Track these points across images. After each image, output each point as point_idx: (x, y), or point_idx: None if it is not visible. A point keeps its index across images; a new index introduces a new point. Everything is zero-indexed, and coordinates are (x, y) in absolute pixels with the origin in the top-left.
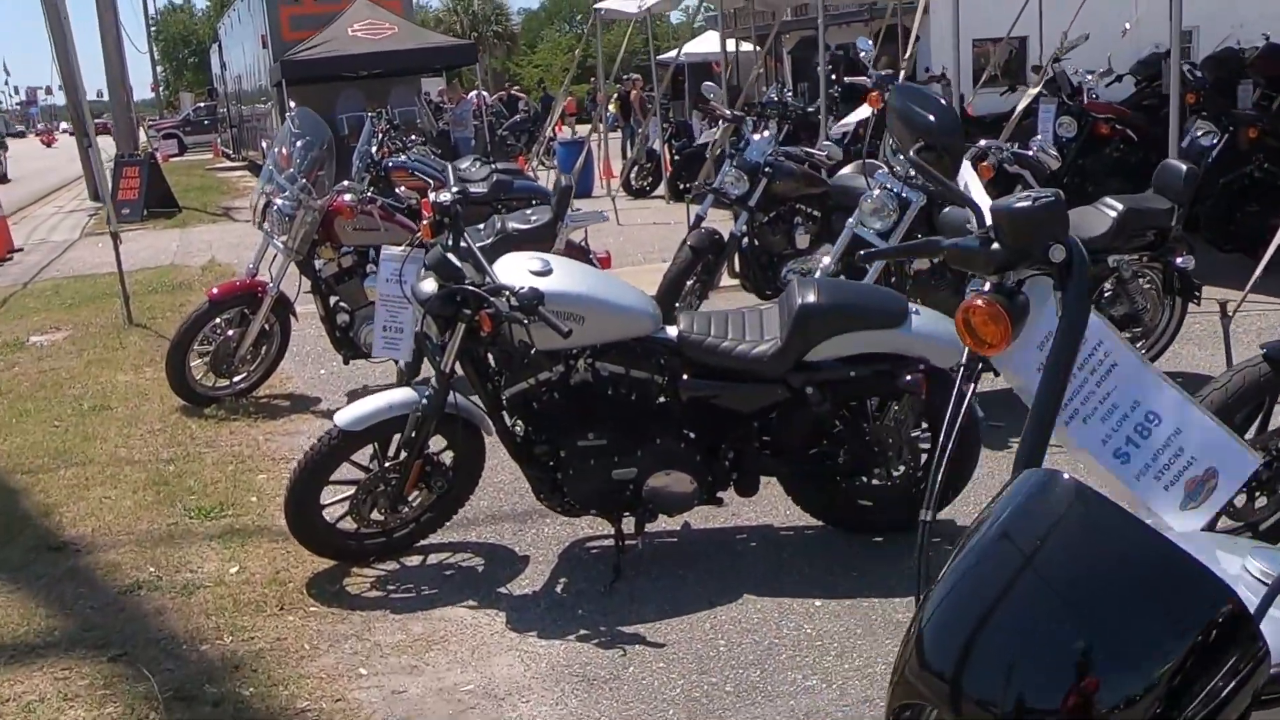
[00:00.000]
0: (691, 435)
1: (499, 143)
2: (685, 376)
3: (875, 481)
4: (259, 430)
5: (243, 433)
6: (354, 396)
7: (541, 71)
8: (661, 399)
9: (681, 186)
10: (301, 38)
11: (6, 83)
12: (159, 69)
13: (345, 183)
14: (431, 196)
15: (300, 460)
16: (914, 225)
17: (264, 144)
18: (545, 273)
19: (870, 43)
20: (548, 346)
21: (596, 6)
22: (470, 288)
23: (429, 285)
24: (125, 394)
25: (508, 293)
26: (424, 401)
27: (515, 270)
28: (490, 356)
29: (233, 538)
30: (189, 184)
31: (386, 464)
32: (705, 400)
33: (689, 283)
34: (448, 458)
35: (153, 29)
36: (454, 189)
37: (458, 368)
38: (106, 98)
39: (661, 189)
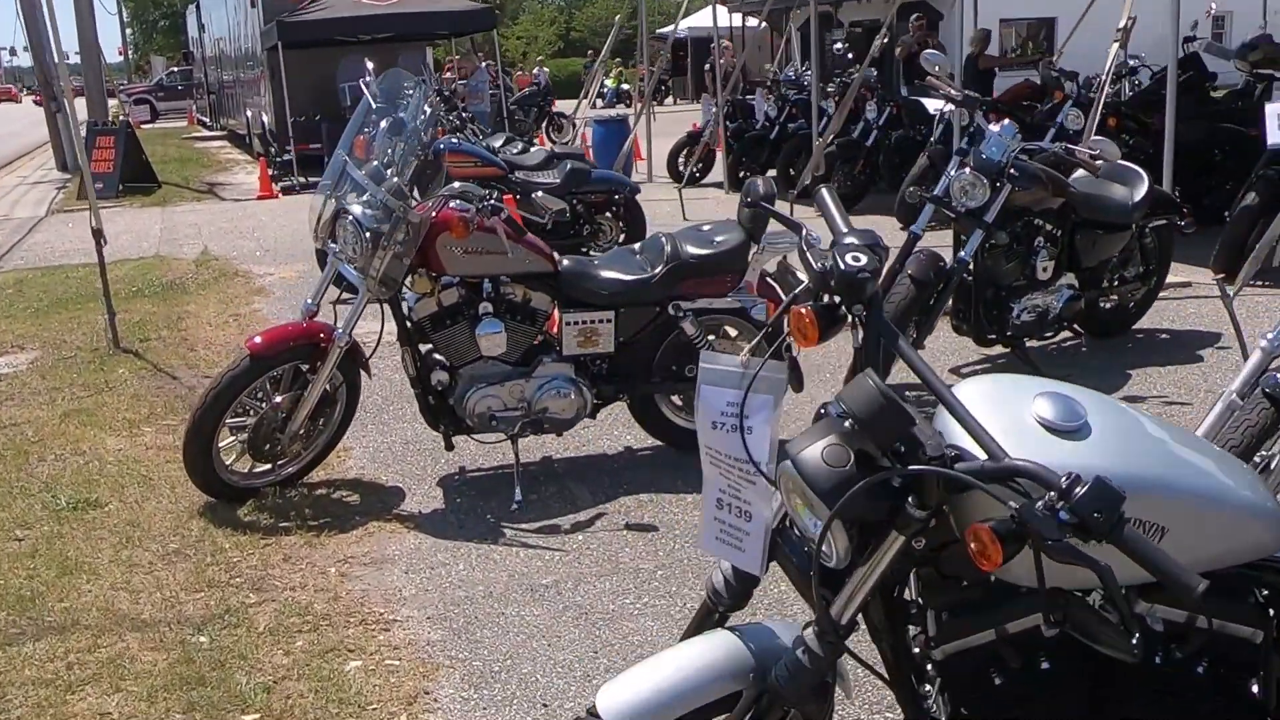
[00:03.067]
0: None
1: (509, 119)
2: None
3: None
4: (325, 553)
5: (302, 558)
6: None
7: (525, 44)
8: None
9: (742, 175)
10: None
11: None
12: (128, 31)
13: (457, 184)
14: (809, 258)
15: None
16: None
17: (249, 113)
18: (1074, 429)
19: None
20: (1131, 582)
21: None
22: (942, 470)
23: (830, 449)
24: (119, 475)
25: (1048, 488)
26: (784, 672)
27: (1009, 412)
28: (914, 580)
29: None
30: (166, 154)
31: None
32: None
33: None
34: None
35: None
36: (860, 244)
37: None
38: (75, 60)
39: (716, 176)
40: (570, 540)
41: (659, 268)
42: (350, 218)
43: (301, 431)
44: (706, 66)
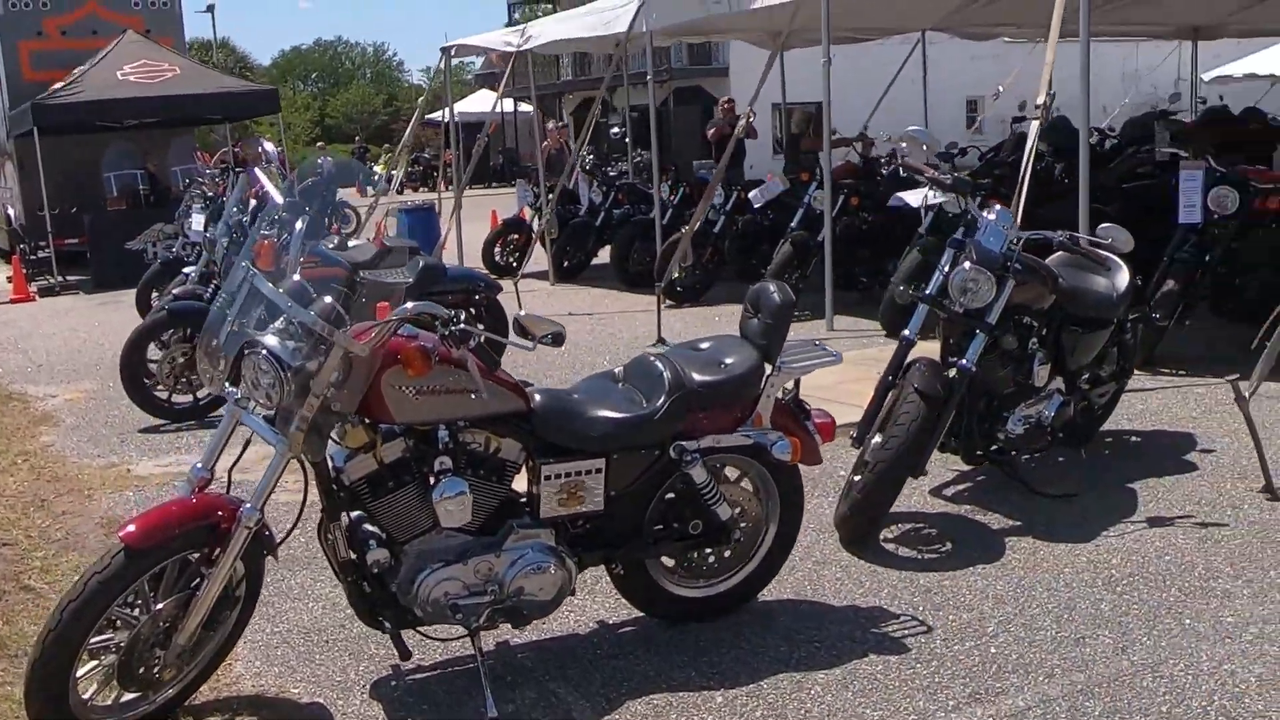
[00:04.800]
0: None
1: None
2: None
3: None
4: None
5: None
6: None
7: (278, 131)
8: None
9: (566, 264)
10: (46, 78)
11: None
12: None
13: (409, 305)
14: None
15: None
16: None
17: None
18: None
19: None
20: None
21: (446, 46)
22: None
23: None
24: None
25: None
26: None
27: None
28: None
29: None
30: None
31: None
32: None
33: None
34: None
35: None
36: None
37: None
38: None
39: (538, 266)
40: None
41: (660, 400)
42: (263, 351)
43: (189, 645)
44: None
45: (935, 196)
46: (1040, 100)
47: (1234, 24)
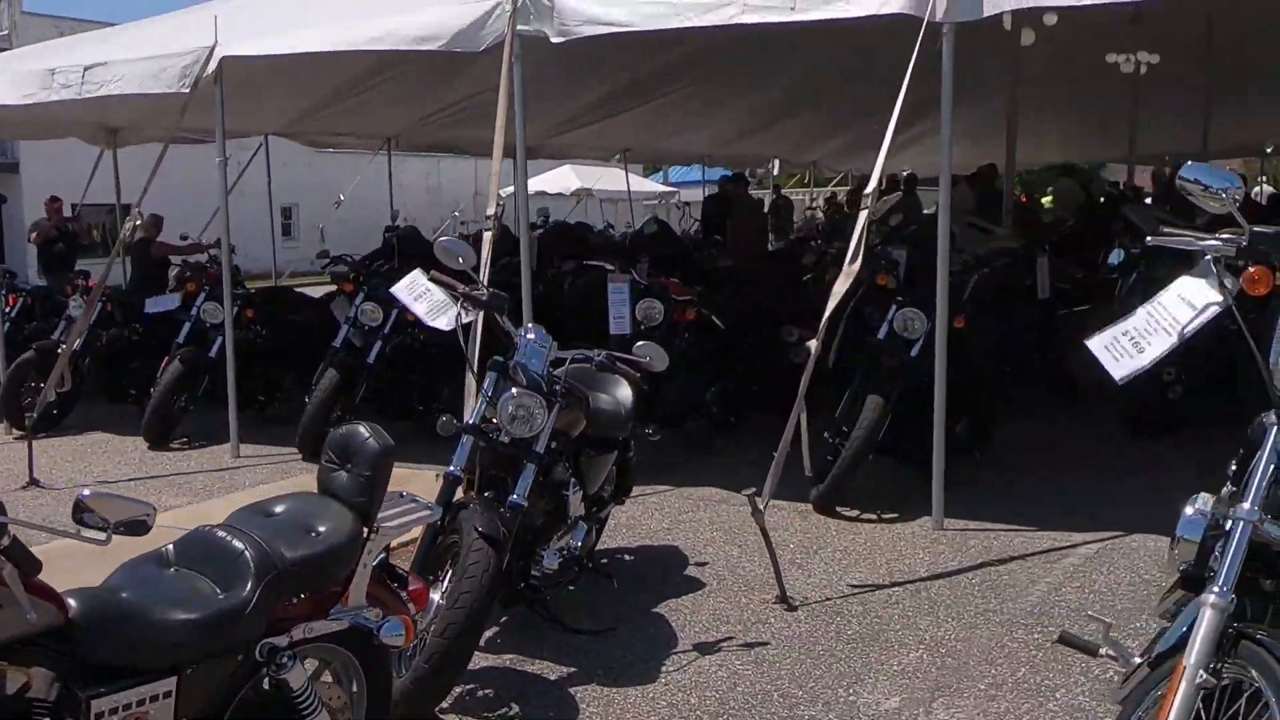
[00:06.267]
0: None
1: None
2: None
3: None
4: None
5: None
6: None
7: None
8: None
9: None
10: None
11: None
12: None
13: None
14: None
15: None
16: None
17: None
18: None
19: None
20: None
21: None
22: None
23: None
24: None
25: None
26: None
27: None
28: None
29: None
30: None
31: None
32: None
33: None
34: None
35: None
36: None
37: None
38: None
39: None
40: None
41: (247, 587)
42: None
43: None
44: None
45: (466, 315)
46: (490, 211)
47: (549, 147)
